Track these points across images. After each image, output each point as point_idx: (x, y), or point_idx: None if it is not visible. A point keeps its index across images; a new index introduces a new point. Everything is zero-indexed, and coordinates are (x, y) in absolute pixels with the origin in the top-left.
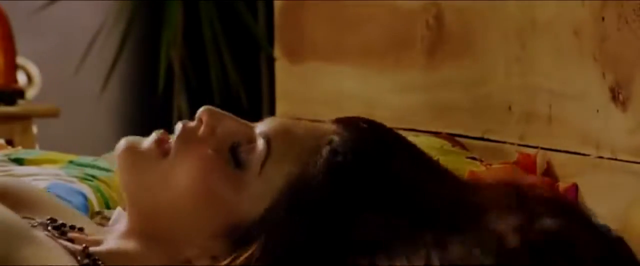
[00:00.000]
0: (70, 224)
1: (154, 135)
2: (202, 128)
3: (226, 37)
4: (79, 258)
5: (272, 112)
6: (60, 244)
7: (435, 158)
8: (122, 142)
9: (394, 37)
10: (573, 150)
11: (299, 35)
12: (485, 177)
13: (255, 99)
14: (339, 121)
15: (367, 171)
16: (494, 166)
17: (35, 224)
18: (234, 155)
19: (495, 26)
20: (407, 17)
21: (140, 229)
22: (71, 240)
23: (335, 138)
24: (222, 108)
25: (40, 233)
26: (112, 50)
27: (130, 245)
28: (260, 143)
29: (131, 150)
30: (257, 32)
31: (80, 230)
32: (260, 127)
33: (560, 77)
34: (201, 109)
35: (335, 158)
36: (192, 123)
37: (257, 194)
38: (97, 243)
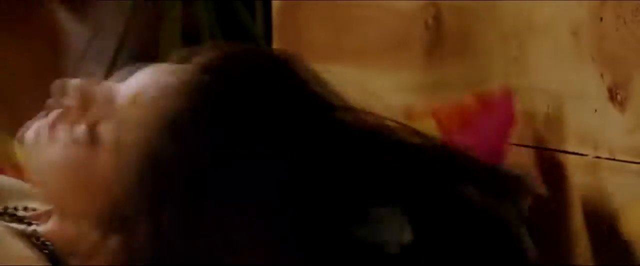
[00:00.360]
0: (21, 205)
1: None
2: (73, 105)
3: (224, 37)
4: (33, 240)
5: None
6: (13, 229)
7: None
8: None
9: (393, 38)
10: (571, 150)
11: (297, 35)
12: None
13: None
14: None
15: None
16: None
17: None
18: (89, 134)
19: (493, 26)
20: (406, 18)
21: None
22: (24, 221)
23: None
24: None
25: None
26: (110, 50)
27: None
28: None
29: (32, 127)
30: (255, 32)
31: (34, 209)
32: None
33: (559, 77)
34: (72, 84)
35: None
36: (67, 100)
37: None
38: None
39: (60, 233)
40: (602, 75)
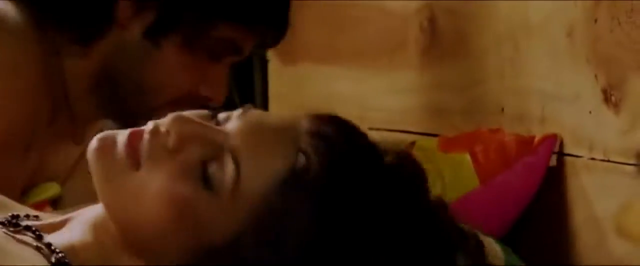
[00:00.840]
0: (24, 213)
1: (125, 138)
2: (171, 141)
3: None
4: (42, 250)
5: (263, 63)
6: (20, 240)
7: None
8: (95, 141)
9: (388, 39)
10: (566, 152)
11: (291, 36)
12: (454, 140)
13: (248, 101)
14: (311, 128)
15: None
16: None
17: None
18: (204, 175)
19: (488, 28)
20: (401, 19)
21: (114, 233)
22: (31, 229)
23: (304, 159)
24: (216, 111)
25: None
26: None
27: (100, 241)
28: (229, 165)
29: (103, 155)
30: None
31: (36, 217)
32: (231, 135)
33: (553, 79)
34: (170, 118)
35: (306, 184)
36: (162, 129)
37: (227, 217)
38: (55, 227)
39: (102, 253)
40: (596, 76)
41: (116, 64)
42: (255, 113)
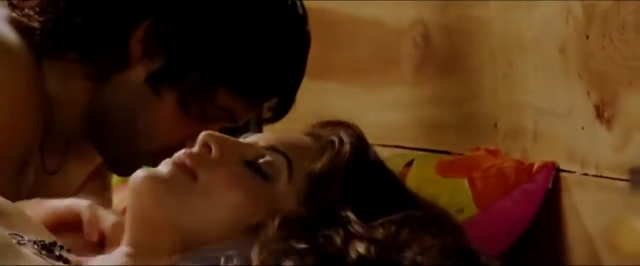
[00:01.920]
0: (59, 243)
1: (169, 162)
2: (214, 153)
3: None
4: None
5: (259, 130)
6: (52, 264)
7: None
8: (139, 173)
9: (381, 55)
10: (559, 168)
11: None
12: (453, 164)
13: None
14: (323, 126)
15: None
16: (465, 155)
17: (24, 241)
18: (256, 170)
19: (481, 44)
20: (394, 35)
21: (169, 249)
22: (63, 259)
23: (336, 139)
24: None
25: (29, 252)
26: None
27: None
28: (273, 155)
29: (156, 179)
30: None
31: (69, 250)
32: (260, 140)
33: (546, 95)
34: (203, 135)
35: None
36: (196, 148)
37: (288, 200)
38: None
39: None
40: (588, 92)
41: (112, 101)
42: (286, 136)
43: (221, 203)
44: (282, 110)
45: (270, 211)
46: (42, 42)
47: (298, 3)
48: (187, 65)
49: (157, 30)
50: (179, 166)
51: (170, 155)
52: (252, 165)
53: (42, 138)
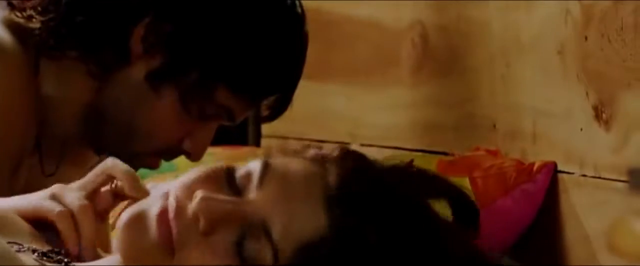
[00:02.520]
0: (55, 249)
1: (157, 217)
2: (201, 226)
3: None
4: None
5: (257, 131)
6: None
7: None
8: (125, 216)
9: (380, 56)
10: (558, 169)
11: None
12: (453, 163)
13: None
14: (339, 184)
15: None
16: (465, 155)
17: (24, 249)
18: (241, 256)
19: (480, 45)
20: (393, 36)
21: None
22: (64, 263)
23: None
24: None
25: (28, 259)
26: None
27: None
28: (266, 246)
29: (135, 236)
30: None
31: (66, 256)
32: (259, 205)
33: (544, 96)
34: (197, 202)
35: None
36: (189, 212)
37: None
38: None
39: None
40: (587, 93)
41: (111, 99)
42: (276, 170)
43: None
44: (280, 108)
45: None
46: (43, 41)
47: (297, 3)
48: (187, 63)
49: (158, 28)
50: (164, 230)
51: (168, 153)
52: (240, 248)
53: (35, 140)
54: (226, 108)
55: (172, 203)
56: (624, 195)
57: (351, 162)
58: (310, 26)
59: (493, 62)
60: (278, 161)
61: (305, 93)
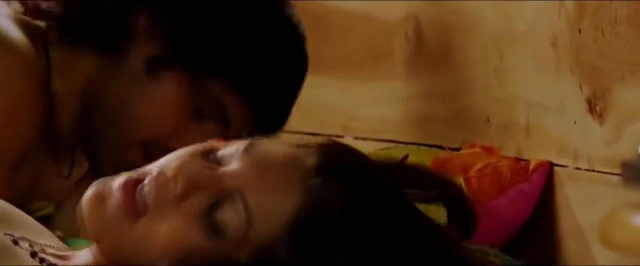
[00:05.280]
0: (40, 241)
1: (120, 188)
2: (179, 188)
3: None
4: None
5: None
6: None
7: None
8: (90, 191)
9: (373, 49)
10: (551, 161)
11: None
12: (448, 161)
13: None
14: (317, 165)
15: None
16: (460, 152)
17: (18, 239)
18: (213, 222)
19: (473, 38)
20: (386, 29)
21: None
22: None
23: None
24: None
25: (22, 251)
26: None
27: None
28: (240, 211)
29: (98, 206)
30: None
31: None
32: (238, 176)
33: (538, 89)
34: (177, 163)
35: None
36: (169, 174)
37: (236, 260)
38: (66, 259)
39: None
40: (580, 86)
41: (107, 84)
42: (259, 148)
43: (155, 257)
44: (272, 118)
45: None
46: (60, 29)
47: (297, 22)
48: (186, 51)
49: (160, 15)
50: (128, 198)
51: (154, 149)
52: (210, 215)
53: (44, 137)
54: (220, 104)
55: (154, 170)
56: (617, 188)
57: (333, 149)
58: (304, 18)
59: (486, 55)
60: (262, 142)
61: None
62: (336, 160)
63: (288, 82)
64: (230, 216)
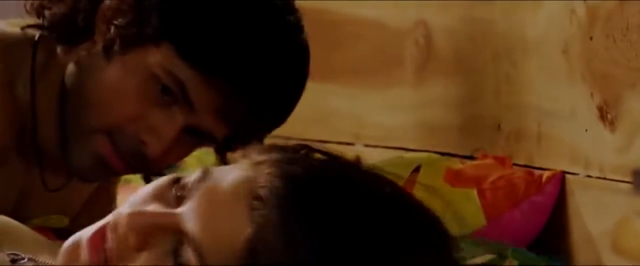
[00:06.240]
0: (40, 258)
1: (87, 241)
2: (131, 242)
3: None
4: None
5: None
6: None
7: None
8: (67, 243)
9: (384, 56)
10: (562, 169)
11: None
12: (461, 173)
13: None
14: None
15: None
16: (473, 163)
17: (22, 259)
18: (178, 263)
19: (484, 45)
20: (397, 36)
21: None
22: None
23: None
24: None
25: None
26: None
27: None
28: (191, 258)
29: (71, 261)
30: None
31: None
32: (188, 216)
33: (549, 96)
34: (126, 215)
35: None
36: (121, 229)
37: None
38: None
39: None
40: (592, 94)
41: (76, 77)
42: (211, 178)
43: None
44: (265, 120)
45: None
46: (51, 30)
47: (292, 19)
48: (142, 32)
49: (123, 4)
50: (92, 256)
51: (122, 137)
52: (176, 254)
53: (17, 145)
54: (179, 83)
55: (110, 221)
56: (628, 196)
57: (289, 171)
58: (314, 26)
59: (498, 62)
60: (216, 169)
61: (309, 93)
62: (288, 184)
63: (266, 66)
64: (190, 255)
